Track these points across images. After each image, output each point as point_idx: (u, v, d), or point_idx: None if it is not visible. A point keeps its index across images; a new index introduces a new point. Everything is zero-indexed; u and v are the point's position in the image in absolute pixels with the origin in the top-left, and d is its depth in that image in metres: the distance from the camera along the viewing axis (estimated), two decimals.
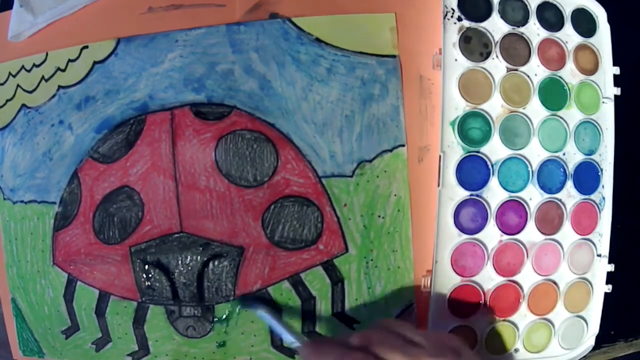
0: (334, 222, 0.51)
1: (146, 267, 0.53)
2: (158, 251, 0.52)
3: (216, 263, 0.52)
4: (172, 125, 0.53)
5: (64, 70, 0.56)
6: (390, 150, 0.51)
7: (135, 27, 0.55)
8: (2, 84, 0.58)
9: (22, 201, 0.57)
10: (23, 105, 0.57)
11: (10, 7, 0.58)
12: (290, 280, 0.52)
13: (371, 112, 0.51)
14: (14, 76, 0.58)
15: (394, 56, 0.52)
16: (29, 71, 0.57)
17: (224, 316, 0.52)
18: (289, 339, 0.48)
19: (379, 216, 0.51)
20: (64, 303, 0.56)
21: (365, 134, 0.51)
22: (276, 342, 0.52)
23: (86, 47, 0.55)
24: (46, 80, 0.56)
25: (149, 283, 0.53)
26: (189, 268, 0.52)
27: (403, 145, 0.51)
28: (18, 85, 0.57)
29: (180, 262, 0.52)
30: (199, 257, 0.52)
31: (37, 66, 0.57)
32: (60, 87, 0.56)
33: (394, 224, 0.51)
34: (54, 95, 0.56)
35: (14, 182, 0.57)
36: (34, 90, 0.57)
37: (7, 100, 0.58)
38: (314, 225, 0.51)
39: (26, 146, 0.57)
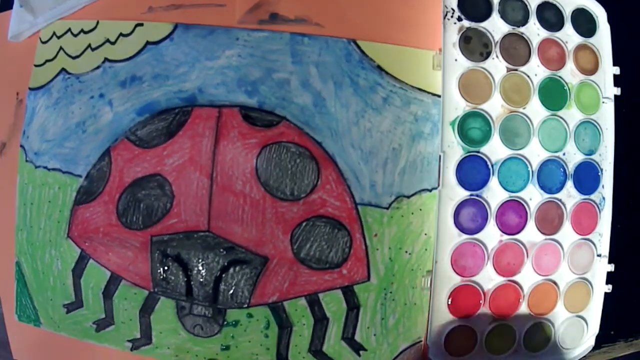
0: (362, 249, 0.52)
1: (165, 259, 0.52)
2: (180, 246, 0.52)
3: (237, 268, 0.52)
4: (218, 124, 0.52)
5: (113, 43, 0.54)
6: (430, 190, 0.52)
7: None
8: (44, 42, 0.56)
9: (45, 167, 0.55)
10: (63, 69, 0.55)
11: (10, 7, 0.57)
12: (308, 299, 0.52)
13: (418, 149, 0.52)
14: (59, 37, 0.56)
15: None
16: (75, 36, 0.55)
17: (234, 321, 0.52)
18: None
19: (406, 252, 0.52)
20: (72, 277, 0.54)
21: (409, 170, 0.52)
22: (281, 355, 0.53)
23: (141, 24, 0.54)
24: (92, 50, 0.54)
25: (165, 275, 0.52)
26: (209, 268, 0.52)
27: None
28: (61, 48, 0.55)
29: (200, 260, 0.52)
30: (220, 260, 0.52)
31: (86, 33, 0.55)
32: (106, 59, 0.54)
33: (418, 261, 0.52)
34: (98, 67, 0.54)
35: (40, 146, 0.55)
36: (78, 56, 0.55)
37: (47, 61, 0.56)
38: (341, 249, 0.52)
39: (60, 112, 0.55)
